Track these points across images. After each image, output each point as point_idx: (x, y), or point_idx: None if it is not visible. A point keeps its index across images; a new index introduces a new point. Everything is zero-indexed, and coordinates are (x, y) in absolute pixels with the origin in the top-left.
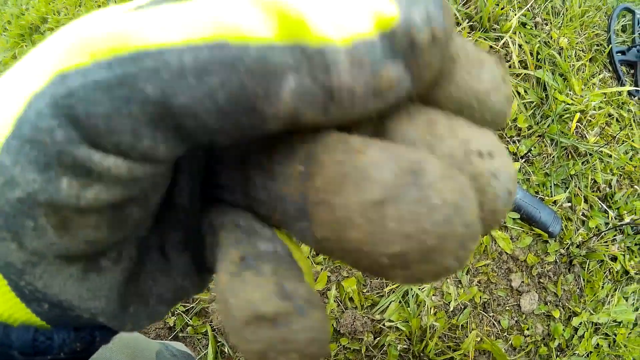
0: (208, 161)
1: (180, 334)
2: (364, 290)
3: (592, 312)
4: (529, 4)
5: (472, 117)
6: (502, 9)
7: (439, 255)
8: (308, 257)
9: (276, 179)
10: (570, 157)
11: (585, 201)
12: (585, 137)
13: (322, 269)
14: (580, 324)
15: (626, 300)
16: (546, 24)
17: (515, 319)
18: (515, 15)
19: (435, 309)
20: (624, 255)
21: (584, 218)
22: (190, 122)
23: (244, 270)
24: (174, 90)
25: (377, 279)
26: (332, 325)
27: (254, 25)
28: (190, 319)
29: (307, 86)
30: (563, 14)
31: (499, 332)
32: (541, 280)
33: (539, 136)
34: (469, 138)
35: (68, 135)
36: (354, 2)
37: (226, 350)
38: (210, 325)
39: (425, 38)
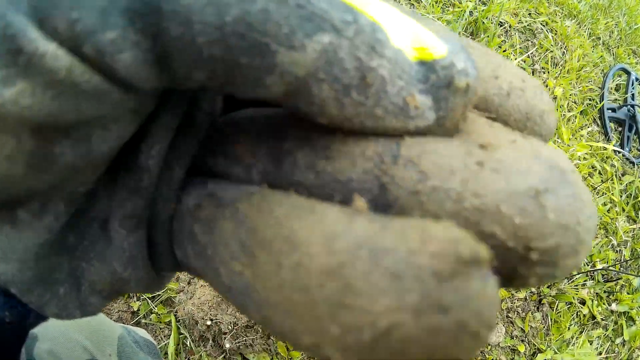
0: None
1: (142, 320)
2: None
3: (556, 350)
4: (530, 51)
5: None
6: (504, 51)
7: (583, 249)
8: None
9: (343, 159)
10: None
11: None
12: None
13: None
14: None
15: (590, 344)
16: (544, 72)
17: (481, 348)
18: (516, 59)
19: None
20: (592, 300)
21: None
22: (176, 31)
23: None
24: None
25: None
26: None
27: None
28: (156, 306)
29: (342, 58)
30: (562, 65)
31: None
32: (509, 315)
33: None
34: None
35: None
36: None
37: (188, 343)
38: (175, 315)
39: (462, 83)
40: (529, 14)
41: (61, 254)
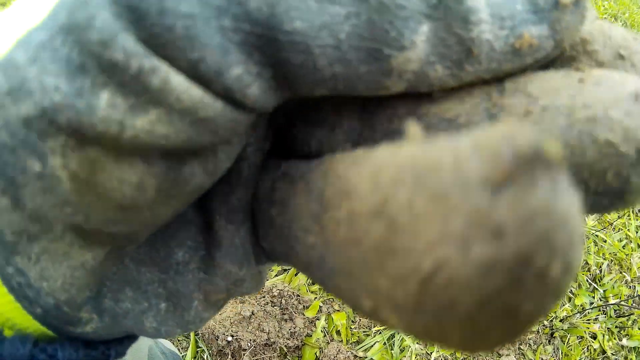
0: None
1: None
2: (352, 326)
3: None
4: None
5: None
6: None
7: None
8: (304, 284)
9: (449, 99)
10: None
11: (575, 279)
12: (584, 220)
13: (315, 298)
14: None
15: None
16: None
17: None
18: None
19: (418, 356)
20: (603, 335)
21: (571, 295)
22: (297, 59)
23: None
24: (288, 9)
25: (366, 318)
26: (316, 354)
27: None
28: None
29: (442, 37)
30: None
31: None
32: (521, 347)
33: None
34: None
35: (124, 29)
36: None
37: (205, 357)
38: None
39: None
40: None
41: (166, 272)
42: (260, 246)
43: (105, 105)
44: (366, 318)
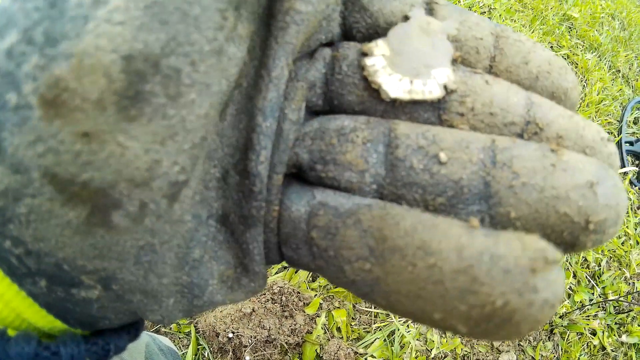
0: None
1: (163, 329)
2: (352, 323)
3: None
4: None
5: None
6: None
7: (620, 222)
8: (304, 281)
9: (455, 164)
10: None
11: (574, 276)
12: None
13: (315, 295)
14: None
15: None
16: None
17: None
18: None
19: (418, 353)
20: (603, 332)
21: (570, 292)
22: None
23: None
24: None
25: (366, 315)
26: (316, 351)
27: None
28: None
29: None
30: (581, 99)
31: None
32: (521, 343)
33: None
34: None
35: None
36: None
37: (206, 355)
38: (195, 326)
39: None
40: (551, 46)
41: (181, 269)
42: (279, 250)
43: (74, 5)
44: (423, 324)
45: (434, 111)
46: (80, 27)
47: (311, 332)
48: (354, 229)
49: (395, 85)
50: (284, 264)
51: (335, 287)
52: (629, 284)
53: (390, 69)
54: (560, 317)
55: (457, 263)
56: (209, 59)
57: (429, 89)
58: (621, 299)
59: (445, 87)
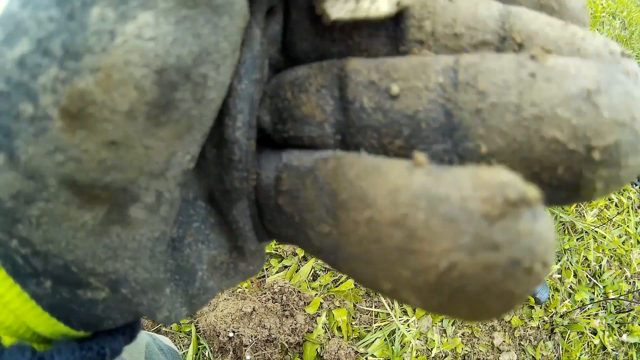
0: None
1: (163, 329)
2: (353, 322)
3: None
4: None
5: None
6: None
7: None
8: (305, 280)
9: (408, 96)
10: (567, 232)
11: (575, 275)
12: (584, 216)
13: (316, 294)
14: None
15: None
16: None
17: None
18: None
19: (418, 352)
20: (603, 331)
21: (571, 291)
22: None
23: None
24: None
25: (367, 314)
26: (316, 350)
27: None
28: None
29: None
30: None
31: None
32: (522, 343)
33: None
34: (600, 38)
35: None
36: None
37: (207, 354)
38: (195, 326)
39: None
40: None
41: (166, 250)
42: (262, 224)
43: (96, 20)
44: (384, 297)
45: (391, 43)
46: (107, 42)
47: (312, 332)
48: (312, 187)
49: (338, 6)
50: (285, 262)
51: (336, 287)
52: (630, 283)
53: None
54: (561, 316)
55: (390, 213)
56: (229, 60)
57: (377, 6)
58: (622, 298)
59: (398, 3)
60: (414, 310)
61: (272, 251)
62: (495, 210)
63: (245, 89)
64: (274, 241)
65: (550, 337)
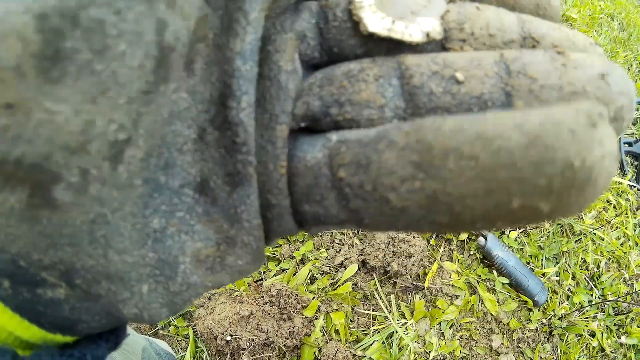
0: None
1: (160, 332)
2: (351, 326)
3: None
4: None
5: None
6: None
7: (633, 107)
8: (303, 284)
9: (472, 82)
10: (565, 234)
11: (573, 278)
12: (582, 218)
13: (313, 297)
14: None
15: None
16: None
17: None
18: None
19: (416, 355)
20: (602, 333)
21: (569, 293)
22: None
23: None
24: None
25: (365, 317)
26: (314, 353)
27: None
28: (175, 318)
29: None
30: None
31: None
32: (520, 345)
33: None
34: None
35: None
36: None
37: (204, 357)
38: (193, 329)
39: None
40: None
41: (144, 244)
42: (291, 214)
43: None
44: (492, 226)
45: (436, 44)
46: None
47: (309, 335)
48: (390, 151)
49: (375, 21)
50: (283, 266)
51: (334, 290)
52: (628, 285)
53: (376, 8)
54: (559, 318)
55: (522, 139)
56: (137, 5)
57: (410, 32)
58: (620, 300)
59: (427, 35)
60: (412, 313)
61: (270, 254)
62: (597, 120)
63: (250, 70)
64: (275, 242)
65: (548, 339)
